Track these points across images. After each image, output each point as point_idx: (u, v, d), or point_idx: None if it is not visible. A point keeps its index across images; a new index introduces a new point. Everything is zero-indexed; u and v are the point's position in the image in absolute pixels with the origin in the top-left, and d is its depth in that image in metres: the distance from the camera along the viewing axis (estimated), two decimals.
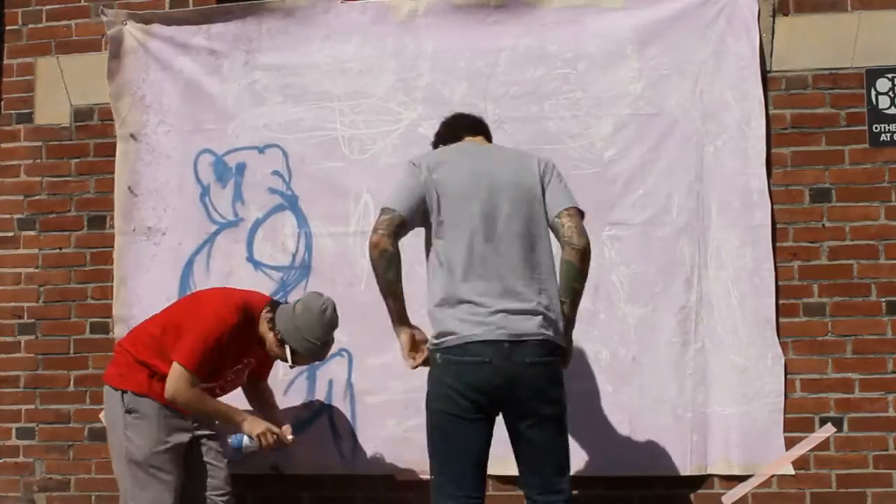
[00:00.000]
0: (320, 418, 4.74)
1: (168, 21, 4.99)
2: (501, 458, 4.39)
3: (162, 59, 4.98)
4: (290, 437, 4.19)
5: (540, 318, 3.53)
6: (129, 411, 4.08)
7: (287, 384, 4.76)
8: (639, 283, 4.55)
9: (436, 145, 4.00)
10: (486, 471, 3.61)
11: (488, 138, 4.00)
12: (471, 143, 3.89)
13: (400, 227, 3.60)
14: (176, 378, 3.98)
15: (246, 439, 4.20)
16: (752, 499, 4.46)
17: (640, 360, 4.52)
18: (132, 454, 4.07)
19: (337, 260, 4.76)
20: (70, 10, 5.17)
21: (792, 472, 4.43)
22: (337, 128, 4.82)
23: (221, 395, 4.22)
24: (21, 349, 5.09)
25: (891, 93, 4.53)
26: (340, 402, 4.72)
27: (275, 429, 4.14)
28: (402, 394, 4.63)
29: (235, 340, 4.07)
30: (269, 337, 4.15)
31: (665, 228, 4.56)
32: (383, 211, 3.62)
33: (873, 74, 4.54)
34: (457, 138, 3.92)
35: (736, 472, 4.45)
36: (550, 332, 3.55)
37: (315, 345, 4.14)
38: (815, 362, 4.48)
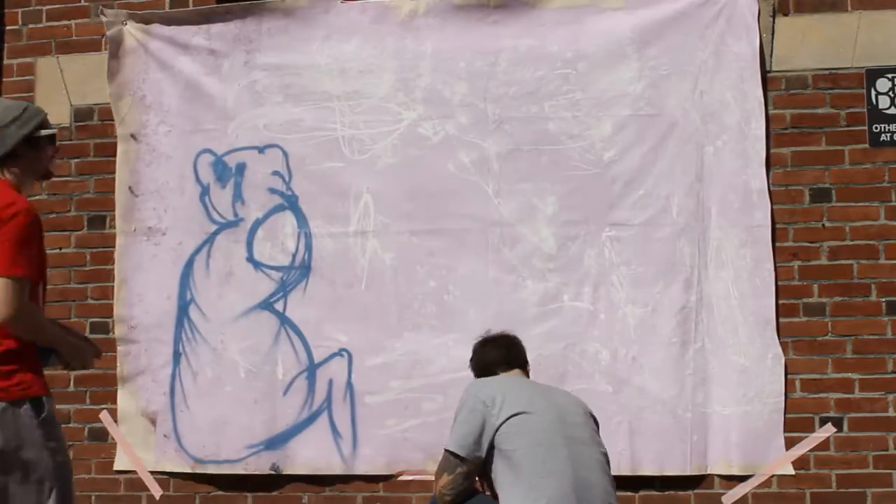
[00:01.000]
0: (320, 418, 4.74)
1: (168, 21, 4.99)
2: None
3: (162, 59, 4.98)
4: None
5: None
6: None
7: (287, 384, 4.76)
8: (639, 283, 4.55)
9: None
10: None
11: (524, 370, 3.76)
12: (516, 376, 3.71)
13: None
14: (4, 291, 3.08)
15: (54, 358, 3.34)
16: (752, 499, 4.46)
17: (640, 360, 4.52)
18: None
19: (337, 260, 4.76)
20: (70, 10, 5.17)
21: (792, 472, 4.43)
22: (337, 128, 4.82)
23: None
24: None
25: (891, 93, 4.53)
26: (340, 402, 4.72)
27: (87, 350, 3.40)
28: (402, 394, 4.63)
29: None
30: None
31: (665, 228, 4.56)
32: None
33: (873, 74, 4.54)
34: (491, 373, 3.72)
35: (736, 472, 4.45)
36: None
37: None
38: (815, 362, 4.48)
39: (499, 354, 3.74)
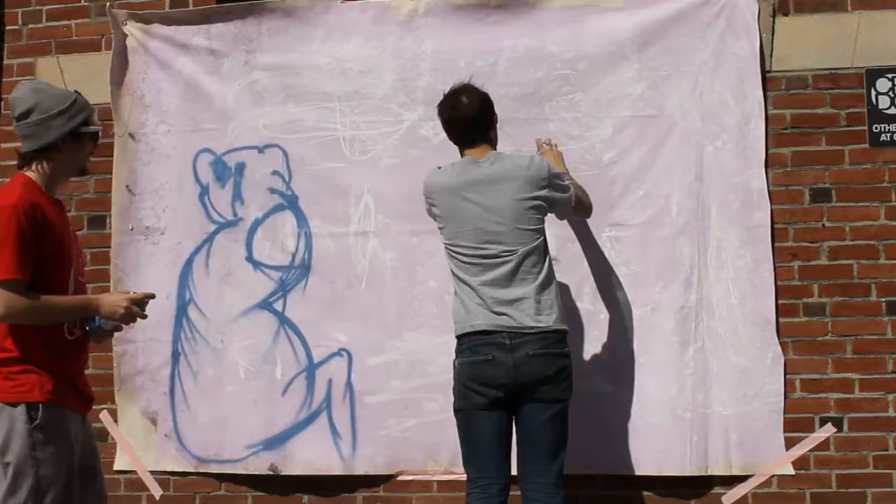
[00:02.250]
0: (320, 418, 4.73)
1: (168, 21, 4.99)
2: None
3: (162, 58, 4.97)
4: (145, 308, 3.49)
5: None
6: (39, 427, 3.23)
7: (286, 384, 4.76)
8: (639, 283, 4.55)
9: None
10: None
11: (486, 135, 4.06)
12: (468, 158, 4.04)
13: None
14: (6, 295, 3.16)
15: (101, 319, 3.39)
16: (752, 499, 4.46)
17: (640, 360, 4.52)
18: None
19: (337, 260, 4.76)
20: (70, 10, 5.17)
21: (792, 472, 4.43)
22: (337, 128, 4.82)
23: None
24: None
25: (891, 93, 4.53)
26: (340, 402, 4.72)
27: (129, 296, 3.44)
28: (402, 394, 4.63)
29: (44, 220, 3.27)
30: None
31: (665, 229, 4.55)
32: None
33: (873, 74, 4.54)
34: (458, 144, 4.11)
35: (736, 472, 4.45)
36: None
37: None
38: (815, 362, 4.48)
39: (458, 136, 4.08)
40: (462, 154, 4.08)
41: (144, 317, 3.48)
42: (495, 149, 4.07)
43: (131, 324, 3.50)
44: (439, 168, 4.09)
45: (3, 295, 3.17)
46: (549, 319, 3.85)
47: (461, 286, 3.94)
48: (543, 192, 3.95)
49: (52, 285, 3.27)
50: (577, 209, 4.17)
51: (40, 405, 3.20)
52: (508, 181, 3.92)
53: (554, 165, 4.11)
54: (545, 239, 4.00)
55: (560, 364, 3.86)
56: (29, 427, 3.18)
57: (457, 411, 3.93)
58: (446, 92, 4.08)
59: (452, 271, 3.98)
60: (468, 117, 4.01)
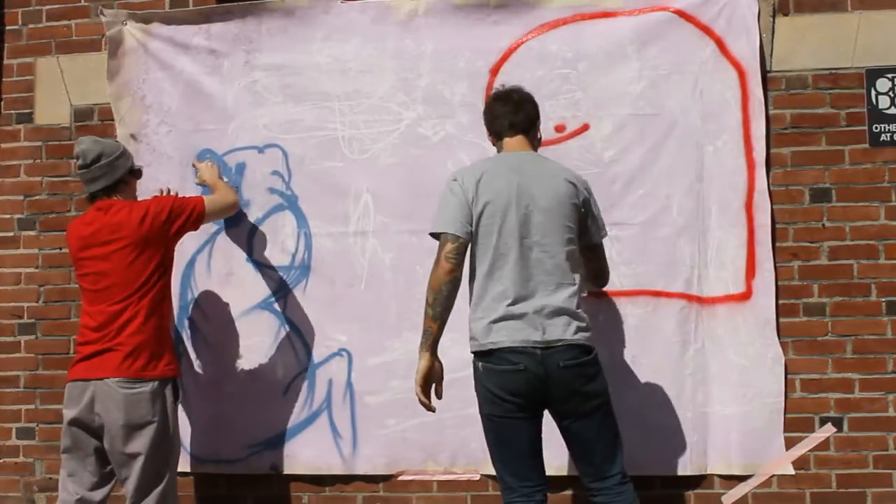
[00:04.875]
0: (320, 418, 4.74)
1: (168, 21, 4.98)
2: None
3: (162, 59, 4.97)
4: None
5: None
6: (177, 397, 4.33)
7: (286, 384, 4.76)
8: (639, 282, 4.55)
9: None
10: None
11: (527, 132, 4.01)
12: (508, 153, 3.98)
13: (465, 251, 3.83)
14: (208, 204, 4.50)
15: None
16: (752, 499, 4.46)
17: (640, 360, 4.53)
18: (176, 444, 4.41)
19: (337, 260, 4.76)
20: (70, 10, 5.17)
21: (792, 472, 4.43)
22: (337, 128, 4.82)
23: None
24: (21, 349, 5.10)
25: (891, 93, 4.53)
26: (340, 402, 4.72)
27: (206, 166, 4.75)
28: (402, 394, 4.63)
29: None
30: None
31: (665, 228, 4.55)
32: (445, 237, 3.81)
33: (873, 74, 4.54)
34: (499, 136, 4.03)
35: (736, 472, 4.46)
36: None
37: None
38: (815, 362, 4.48)
39: (505, 120, 3.99)
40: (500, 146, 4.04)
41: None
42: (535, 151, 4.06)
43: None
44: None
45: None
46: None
47: None
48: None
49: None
50: None
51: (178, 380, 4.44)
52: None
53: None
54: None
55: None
56: (174, 402, 4.31)
57: None
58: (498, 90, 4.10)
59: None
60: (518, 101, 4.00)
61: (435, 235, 3.88)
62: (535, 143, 4.06)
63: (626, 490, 3.79)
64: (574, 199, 3.86)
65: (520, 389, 3.70)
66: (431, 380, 3.86)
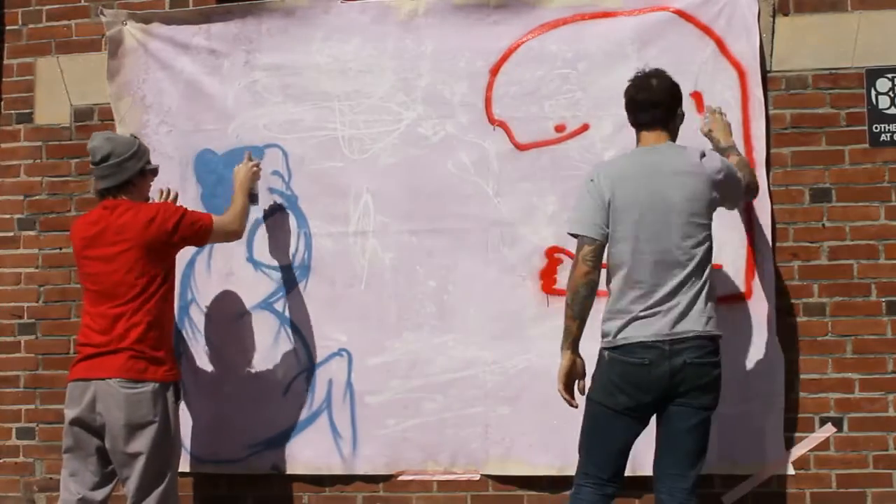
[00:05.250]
0: (320, 418, 4.74)
1: (168, 21, 4.99)
2: (500, 458, 4.39)
3: (162, 59, 4.97)
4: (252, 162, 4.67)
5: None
6: (177, 399, 4.32)
7: (287, 384, 4.76)
8: None
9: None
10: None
11: (667, 124, 3.96)
12: (644, 149, 3.96)
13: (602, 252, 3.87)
14: (216, 224, 4.41)
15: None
16: (752, 499, 4.46)
17: None
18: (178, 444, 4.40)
19: (337, 260, 4.76)
20: (70, 10, 5.17)
21: (792, 472, 4.43)
22: (337, 128, 4.82)
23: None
24: (21, 349, 5.10)
25: (891, 93, 4.53)
26: (340, 402, 4.72)
27: (248, 166, 4.63)
28: (402, 394, 4.64)
29: None
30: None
31: None
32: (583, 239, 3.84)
33: (873, 74, 4.54)
34: (637, 126, 4.01)
35: (736, 472, 4.46)
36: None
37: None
38: (815, 362, 4.48)
39: (640, 115, 3.97)
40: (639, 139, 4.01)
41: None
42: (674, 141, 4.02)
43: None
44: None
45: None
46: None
47: None
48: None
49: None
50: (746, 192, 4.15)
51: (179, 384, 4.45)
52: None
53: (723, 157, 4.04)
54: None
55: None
56: (174, 405, 4.29)
57: None
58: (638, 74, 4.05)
59: None
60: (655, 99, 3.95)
61: (573, 234, 3.92)
62: (674, 131, 4.01)
63: (691, 501, 3.83)
64: (708, 192, 3.83)
65: (642, 384, 3.75)
66: (574, 377, 3.89)
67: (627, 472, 4.44)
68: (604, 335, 3.85)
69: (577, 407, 3.90)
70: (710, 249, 3.85)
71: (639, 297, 3.78)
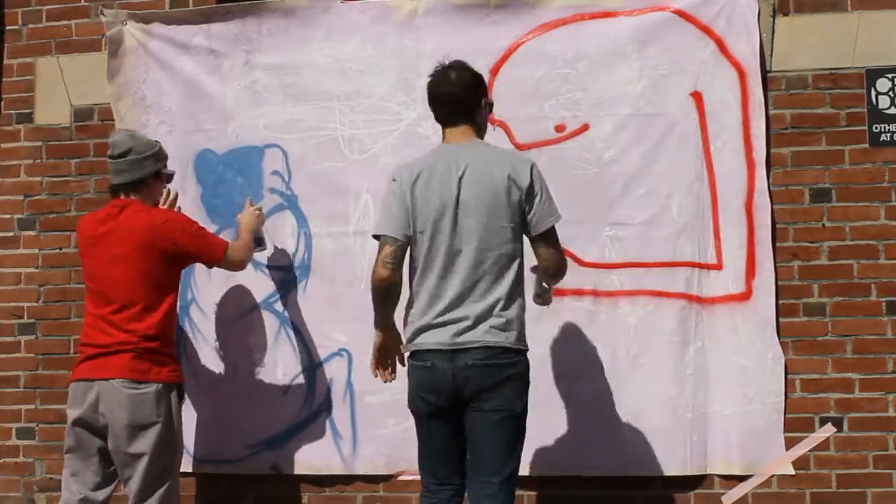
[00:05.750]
0: (320, 418, 4.74)
1: (168, 21, 4.99)
2: None
3: (162, 58, 4.98)
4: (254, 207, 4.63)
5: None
6: (181, 399, 4.30)
7: (287, 384, 4.76)
8: (639, 283, 4.54)
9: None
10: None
11: (471, 118, 3.85)
12: (447, 147, 3.85)
13: (403, 254, 3.80)
14: (227, 252, 4.36)
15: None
16: (752, 499, 4.46)
17: (640, 360, 4.52)
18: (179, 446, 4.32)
19: (337, 260, 4.76)
20: (70, 10, 5.17)
21: (792, 472, 4.43)
22: (337, 128, 4.82)
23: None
24: (21, 349, 5.10)
25: (891, 93, 4.53)
26: (340, 402, 4.73)
27: (250, 210, 4.59)
28: (402, 394, 4.59)
29: None
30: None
31: (665, 228, 4.55)
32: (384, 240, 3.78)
33: (873, 74, 4.54)
34: (441, 123, 3.91)
35: (736, 472, 4.46)
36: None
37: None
38: (815, 362, 4.48)
39: (440, 110, 3.88)
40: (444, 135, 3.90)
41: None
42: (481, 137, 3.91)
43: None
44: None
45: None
46: None
47: None
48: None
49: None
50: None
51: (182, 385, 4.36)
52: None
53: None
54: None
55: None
56: (178, 405, 4.27)
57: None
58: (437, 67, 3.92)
59: None
60: (454, 94, 3.82)
61: (375, 235, 3.87)
62: (479, 127, 3.88)
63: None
64: (512, 192, 3.69)
65: (430, 386, 3.72)
66: (387, 353, 3.92)
67: (626, 472, 4.47)
68: (405, 339, 3.83)
69: (391, 380, 3.96)
70: (511, 256, 3.70)
71: (429, 303, 3.72)
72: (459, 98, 3.83)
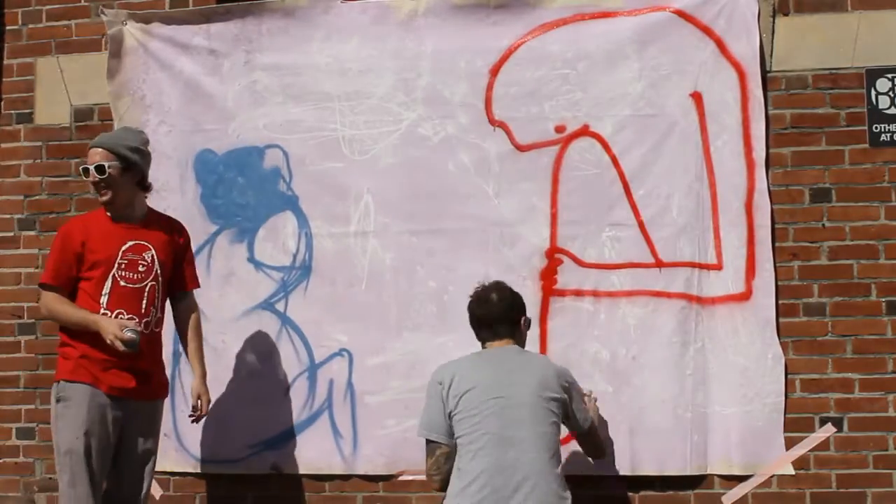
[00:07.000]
0: (320, 418, 4.74)
1: (168, 21, 4.98)
2: None
3: (162, 58, 4.97)
4: (127, 335, 3.98)
5: None
6: (58, 400, 4.10)
7: (287, 384, 4.77)
8: (639, 283, 4.55)
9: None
10: None
11: (511, 336, 3.99)
12: (490, 351, 3.98)
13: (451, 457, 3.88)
14: (40, 295, 4.20)
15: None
16: (752, 499, 4.46)
17: (640, 360, 4.53)
18: (59, 445, 4.07)
19: (337, 260, 4.76)
20: (70, 10, 5.17)
21: (792, 472, 4.43)
22: (337, 128, 4.82)
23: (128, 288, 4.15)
24: (21, 349, 5.10)
25: (891, 93, 4.53)
26: (340, 402, 4.72)
27: (118, 333, 3.96)
28: (402, 394, 4.64)
29: (83, 234, 4.15)
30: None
31: (665, 228, 4.55)
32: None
33: (873, 74, 4.54)
34: (481, 341, 4.04)
35: (736, 472, 4.46)
36: None
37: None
38: (815, 362, 4.48)
39: (482, 332, 4.01)
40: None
41: (135, 349, 4.02)
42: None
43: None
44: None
45: (43, 292, 4.21)
46: None
47: None
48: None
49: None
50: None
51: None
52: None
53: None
54: None
55: None
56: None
57: None
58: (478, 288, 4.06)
59: None
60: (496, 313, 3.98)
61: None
62: (520, 341, 4.04)
63: None
64: (555, 391, 3.84)
65: None
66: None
67: (626, 472, 4.48)
68: None
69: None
70: (557, 440, 3.83)
71: (477, 492, 3.71)
72: (502, 319, 3.98)
